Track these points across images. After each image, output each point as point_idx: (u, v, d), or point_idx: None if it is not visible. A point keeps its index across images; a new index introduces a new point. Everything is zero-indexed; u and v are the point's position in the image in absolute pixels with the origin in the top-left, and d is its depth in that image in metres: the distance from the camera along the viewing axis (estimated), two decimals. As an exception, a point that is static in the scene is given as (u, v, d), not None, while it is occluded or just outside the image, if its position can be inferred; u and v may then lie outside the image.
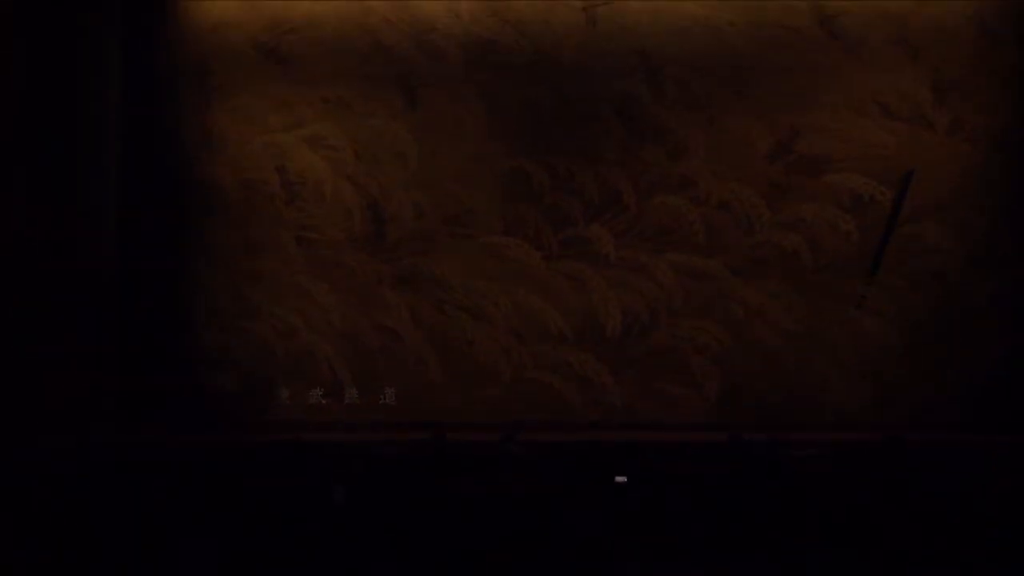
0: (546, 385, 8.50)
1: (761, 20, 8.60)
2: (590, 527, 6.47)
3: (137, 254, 8.57)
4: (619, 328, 8.54)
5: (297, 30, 8.74)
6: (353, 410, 8.48)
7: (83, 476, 6.46)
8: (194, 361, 8.56)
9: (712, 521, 6.45)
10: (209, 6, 8.77)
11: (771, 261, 8.54)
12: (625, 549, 6.28)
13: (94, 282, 8.40)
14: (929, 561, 5.95)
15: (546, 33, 8.68)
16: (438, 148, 8.68)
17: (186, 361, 8.54)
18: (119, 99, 8.64)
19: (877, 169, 8.52)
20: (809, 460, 7.43)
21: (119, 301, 8.60)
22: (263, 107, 8.70)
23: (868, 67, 8.55)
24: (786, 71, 8.56)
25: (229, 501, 6.44)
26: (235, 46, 8.74)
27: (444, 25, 8.72)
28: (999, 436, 7.75)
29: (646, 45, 8.63)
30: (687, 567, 6.26)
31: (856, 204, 8.53)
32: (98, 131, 8.46)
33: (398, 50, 8.72)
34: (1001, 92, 8.50)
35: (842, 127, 8.56)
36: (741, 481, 6.80)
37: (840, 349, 8.43)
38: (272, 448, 7.03)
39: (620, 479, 7.06)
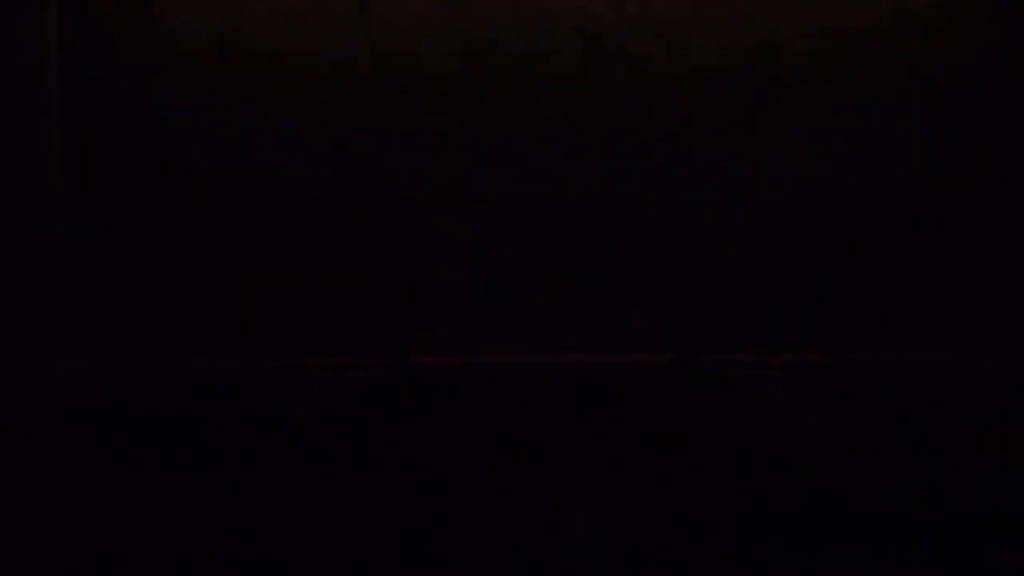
0: (508, 310, 8.54)
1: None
2: (546, 450, 6.58)
3: (83, 168, 8.30)
4: (578, 252, 8.57)
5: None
6: (314, 334, 8.45)
7: (41, 417, 6.37)
8: (150, 286, 8.40)
9: (662, 441, 6.60)
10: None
11: (735, 186, 8.55)
12: (579, 470, 6.41)
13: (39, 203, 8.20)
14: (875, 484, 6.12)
15: (505, -51, 8.58)
16: (393, 66, 8.54)
17: (140, 286, 8.38)
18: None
19: (842, 92, 8.49)
20: (760, 381, 7.60)
21: (69, 215, 8.42)
22: (208, 19, 8.41)
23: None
24: (747, -7, 8.56)
25: (190, 429, 6.44)
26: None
27: (400, -58, 8.56)
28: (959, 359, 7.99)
29: (605, -38, 8.57)
30: (638, 487, 6.40)
31: (824, 130, 8.53)
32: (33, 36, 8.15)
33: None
34: (963, 28, 8.41)
35: (807, 50, 8.54)
36: (691, 402, 6.96)
37: (799, 269, 8.52)
38: (233, 372, 7.03)
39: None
